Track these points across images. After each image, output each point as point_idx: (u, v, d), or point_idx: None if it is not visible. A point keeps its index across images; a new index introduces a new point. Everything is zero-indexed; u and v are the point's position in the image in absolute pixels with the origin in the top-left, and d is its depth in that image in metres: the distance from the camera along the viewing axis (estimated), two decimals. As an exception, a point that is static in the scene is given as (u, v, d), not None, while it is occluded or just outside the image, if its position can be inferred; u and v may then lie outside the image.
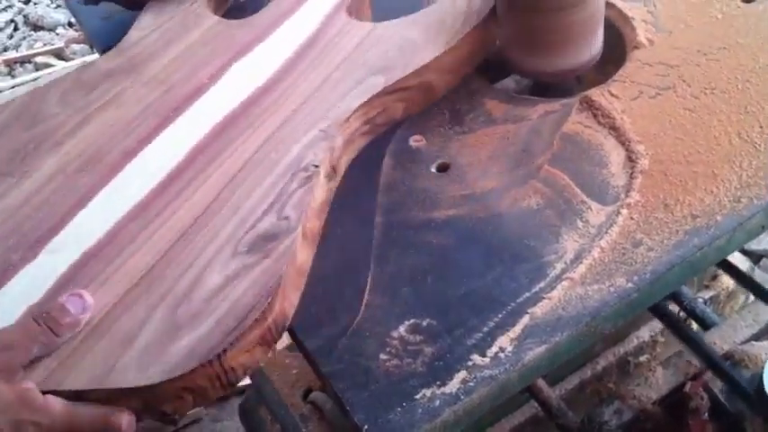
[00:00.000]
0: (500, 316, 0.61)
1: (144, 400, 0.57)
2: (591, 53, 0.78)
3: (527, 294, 0.62)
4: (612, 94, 0.75)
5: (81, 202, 0.69)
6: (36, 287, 0.62)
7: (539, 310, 0.61)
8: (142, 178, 0.70)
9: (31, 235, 0.67)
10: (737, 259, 1.39)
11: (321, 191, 0.69)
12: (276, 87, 0.78)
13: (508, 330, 0.60)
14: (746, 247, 1.65)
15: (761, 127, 0.70)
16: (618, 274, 0.63)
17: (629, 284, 0.62)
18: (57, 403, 0.55)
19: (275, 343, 0.61)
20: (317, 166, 0.69)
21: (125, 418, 0.56)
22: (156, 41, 0.85)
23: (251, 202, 0.67)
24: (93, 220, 0.68)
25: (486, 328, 0.61)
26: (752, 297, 1.12)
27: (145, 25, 0.87)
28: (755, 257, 1.68)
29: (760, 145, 0.69)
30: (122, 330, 0.59)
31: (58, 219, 0.68)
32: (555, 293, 0.62)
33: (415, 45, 0.79)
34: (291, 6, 0.88)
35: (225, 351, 0.56)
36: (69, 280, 0.63)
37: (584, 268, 0.63)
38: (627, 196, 0.67)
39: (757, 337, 0.91)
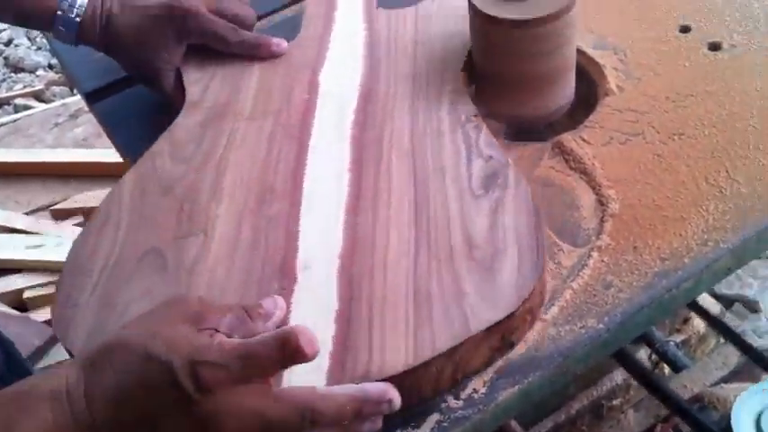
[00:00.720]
0: (473, 355, 0.62)
1: (502, 333, 0.61)
2: (563, 99, 0.80)
3: (500, 335, 0.63)
4: (584, 140, 0.77)
5: (292, 225, 0.70)
6: (323, 298, 0.63)
7: (514, 351, 0.62)
8: (329, 185, 0.73)
9: (270, 267, 0.67)
10: (709, 303, 1.41)
11: None
12: (377, 79, 0.84)
13: (482, 371, 0.61)
14: (718, 291, 1.67)
15: (727, 172, 0.72)
16: (589, 316, 0.64)
17: (600, 325, 0.63)
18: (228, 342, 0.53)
19: None
20: (476, 116, 0.77)
21: (299, 330, 0.52)
22: (222, 86, 0.86)
23: (449, 160, 0.73)
24: (318, 232, 0.69)
25: (459, 368, 0.62)
26: (722, 340, 1.14)
27: (197, 77, 0.87)
28: (727, 302, 1.70)
29: (726, 189, 0.71)
30: (443, 292, 0.62)
31: (282, 244, 0.68)
32: (528, 334, 0.63)
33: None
34: (326, 22, 0.93)
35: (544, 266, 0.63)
36: (348, 281, 0.64)
37: (557, 309, 0.65)
38: (598, 239, 0.69)
39: (726, 379, 0.92)
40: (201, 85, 0.86)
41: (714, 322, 1.04)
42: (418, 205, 0.69)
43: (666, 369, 1.06)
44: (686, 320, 1.19)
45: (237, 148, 0.78)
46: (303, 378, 0.56)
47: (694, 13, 0.88)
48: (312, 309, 0.60)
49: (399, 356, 0.58)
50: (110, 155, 1.95)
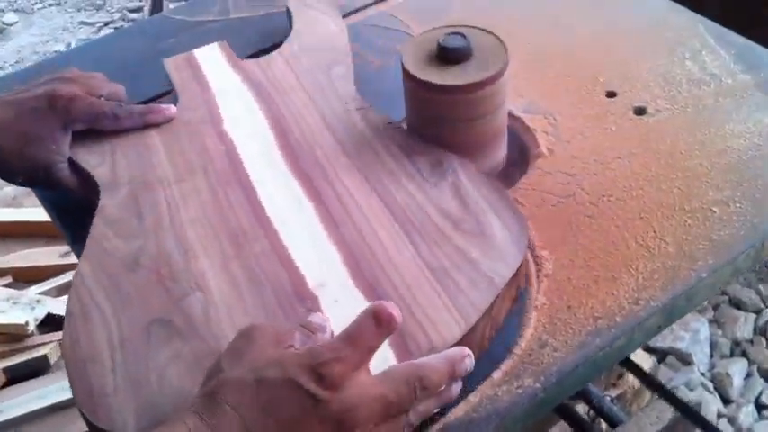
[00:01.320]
0: (413, 418, 0.62)
1: (516, 284, 0.69)
2: (495, 161, 0.82)
3: (439, 396, 0.64)
4: (518, 201, 0.79)
5: (283, 255, 0.72)
6: (352, 304, 0.66)
7: (452, 413, 0.63)
8: (295, 212, 0.76)
9: (284, 295, 0.68)
10: (642, 357, 1.44)
11: None
12: (280, 114, 0.88)
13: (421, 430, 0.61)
14: (652, 344, 1.71)
15: (654, 232, 0.74)
16: (525, 375, 0.65)
17: (537, 384, 0.64)
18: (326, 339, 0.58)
19: None
20: (390, 122, 0.84)
21: (381, 303, 0.57)
22: (128, 160, 0.84)
23: (392, 163, 0.79)
24: (311, 253, 0.72)
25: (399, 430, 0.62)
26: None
27: (97, 161, 0.85)
28: (660, 355, 1.73)
29: (654, 249, 0.73)
30: (457, 264, 0.68)
31: (284, 274, 0.70)
32: (470, 396, 0.64)
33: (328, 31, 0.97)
34: (200, 82, 0.95)
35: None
36: (367, 283, 0.68)
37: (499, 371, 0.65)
38: (533, 299, 0.70)
39: (661, 434, 0.94)
40: (106, 165, 0.84)
41: (647, 379, 1.06)
42: (388, 205, 0.74)
43: (604, 424, 1.07)
44: (621, 375, 1.21)
45: (183, 207, 0.78)
46: (379, 369, 0.59)
47: (620, 79, 0.91)
48: (347, 316, 0.60)
49: (452, 326, 0.64)
50: (40, 214, 1.92)
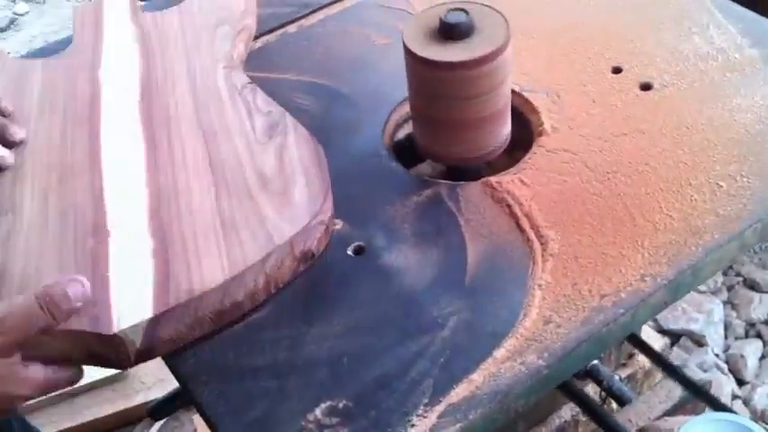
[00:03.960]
0: (416, 395, 0.62)
1: (302, 244, 0.71)
2: (498, 140, 0.81)
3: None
4: (522, 181, 0.78)
5: (97, 192, 0.78)
6: (138, 242, 0.72)
7: (455, 392, 0.62)
8: (126, 156, 0.81)
9: (83, 229, 0.74)
10: (654, 338, 1.43)
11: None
12: (154, 67, 0.93)
13: (425, 410, 0.61)
14: (665, 326, 1.70)
15: (660, 208, 0.74)
16: (529, 352, 0.64)
17: (540, 361, 0.64)
18: (38, 372, 0.61)
19: None
20: (250, 82, 0.89)
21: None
22: (5, 93, 0.91)
23: (232, 121, 0.83)
24: (123, 193, 0.77)
25: (403, 409, 0.62)
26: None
27: None
28: (674, 336, 1.72)
29: (660, 225, 0.72)
30: (247, 220, 0.72)
31: (91, 209, 0.76)
32: (474, 375, 0.63)
33: None
34: (97, 29, 1.01)
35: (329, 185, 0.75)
36: (159, 225, 0.73)
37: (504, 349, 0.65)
38: (538, 278, 0.70)
39: (670, 412, 0.93)
40: None
41: (655, 357, 1.05)
42: (212, 158, 0.79)
43: (614, 404, 1.07)
44: (631, 355, 1.20)
45: (33, 140, 0.85)
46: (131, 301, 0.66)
47: (626, 55, 0.90)
48: (129, 252, 0.70)
49: (216, 272, 0.68)
50: None
